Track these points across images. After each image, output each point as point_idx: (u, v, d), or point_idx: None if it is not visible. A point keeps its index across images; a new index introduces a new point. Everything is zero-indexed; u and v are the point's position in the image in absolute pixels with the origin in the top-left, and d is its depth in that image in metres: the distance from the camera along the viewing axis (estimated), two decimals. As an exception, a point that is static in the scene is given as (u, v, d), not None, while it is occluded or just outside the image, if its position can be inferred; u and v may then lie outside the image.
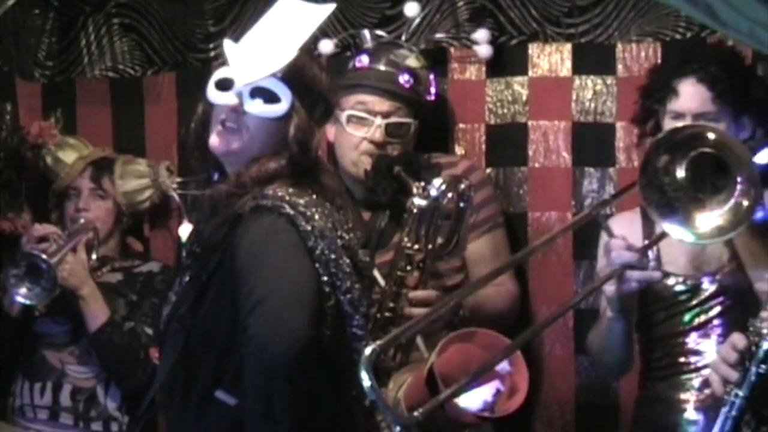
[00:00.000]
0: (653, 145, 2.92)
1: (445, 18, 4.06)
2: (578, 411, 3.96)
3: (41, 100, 4.48)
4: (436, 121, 3.99)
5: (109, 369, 4.00)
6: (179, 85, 4.35)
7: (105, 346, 3.93)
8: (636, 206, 3.40)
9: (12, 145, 4.29)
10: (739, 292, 3.23)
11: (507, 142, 4.04)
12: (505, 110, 4.04)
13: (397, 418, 2.75)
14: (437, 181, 3.42)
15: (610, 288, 3.11)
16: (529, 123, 4.01)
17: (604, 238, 3.24)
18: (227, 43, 3.02)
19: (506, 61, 4.03)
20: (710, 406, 3.17)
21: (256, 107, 2.92)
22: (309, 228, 2.84)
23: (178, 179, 4.22)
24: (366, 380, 2.50)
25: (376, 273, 3.54)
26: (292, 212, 2.84)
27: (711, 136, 2.84)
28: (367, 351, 2.54)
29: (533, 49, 4.01)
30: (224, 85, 2.95)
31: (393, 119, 3.71)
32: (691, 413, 3.28)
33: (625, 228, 3.23)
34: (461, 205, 3.43)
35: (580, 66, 3.97)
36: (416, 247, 3.45)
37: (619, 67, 3.92)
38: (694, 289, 3.30)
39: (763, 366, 2.64)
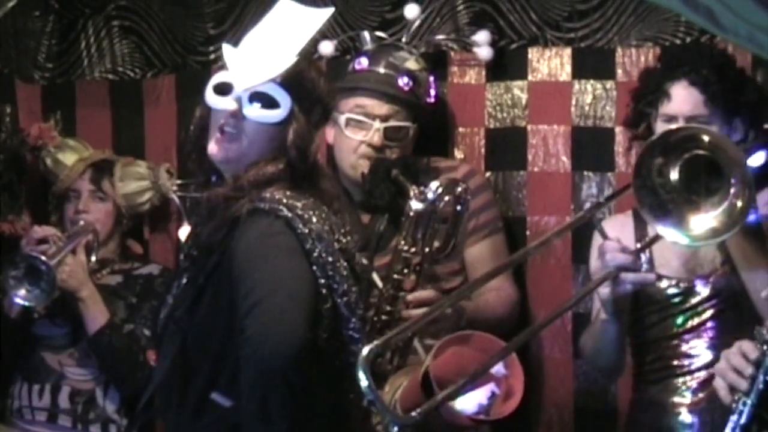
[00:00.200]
0: (647, 147, 2.92)
1: (445, 22, 4.07)
2: (577, 414, 3.95)
3: (41, 102, 4.49)
4: (436, 124, 4.00)
5: (108, 371, 3.99)
6: (179, 88, 4.35)
7: (104, 348, 3.93)
8: (628, 209, 3.40)
9: (12, 147, 4.29)
10: (732, 295, 3.23)
11: (506, 146, 4.04)
12: (505, 114, 4.04)
13: (395, 417, 2.76)
14: (434, 185, 3.42)
15: (604, 290, 3.11)
16: (529, 127, 4.01)
17: (596, 240, 3.24)
18: (226, 48, 3.02)
19: (506, 65, 4.04)
20: (704, 409, 3.18)
21: (256, 112, 2.92)
22: (306, 231, 2.84)
23: (178, 182, 4.22)
24: (363, 380, 2.50)
25: (375, 276, 3.54)
26: (289, 215, 2.84)
27: (705, 138, 2.84)
28: (365, 351, 2.55)
29: (533, 53, 4.01)
30: (223, 89, 2.95)
31: (392, 123, 3.71)
32: (685, 416, 3.27)
33: (617, 230, 3.24)
34: (458, 208, 3.44)
35: (580, 70, 3.97)
36: (413, 250, 3.45)
37: (619, 71, 3.91)
38: (687, 292, 3.30)
39: (771, 374, 2.63)
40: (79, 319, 3.95)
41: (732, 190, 2.79)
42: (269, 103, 2.92)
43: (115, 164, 4.19)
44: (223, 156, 2.94)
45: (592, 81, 3.96)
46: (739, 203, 2.78)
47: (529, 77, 4.01)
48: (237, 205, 2.88)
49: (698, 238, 2.85)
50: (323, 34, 3.96)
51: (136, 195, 4.19)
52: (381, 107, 3.72)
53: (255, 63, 2.94)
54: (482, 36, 3.98)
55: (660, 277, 3.29)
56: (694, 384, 3.27)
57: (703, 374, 3.25)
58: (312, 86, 2.98)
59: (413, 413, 2.63)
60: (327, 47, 4.06)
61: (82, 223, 4.08)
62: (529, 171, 4.00)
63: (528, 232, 3.98)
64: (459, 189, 3.43)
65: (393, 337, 2.96)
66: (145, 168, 4.23)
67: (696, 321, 3.29)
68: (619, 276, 3.06)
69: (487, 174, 4.03)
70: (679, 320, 3.31)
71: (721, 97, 3.25)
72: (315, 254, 2.84)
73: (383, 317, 3.45)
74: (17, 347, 4.04)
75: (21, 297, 3.84)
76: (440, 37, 4.05)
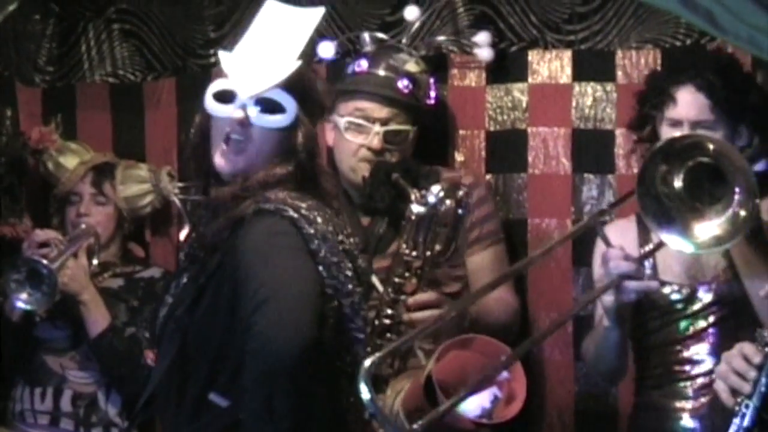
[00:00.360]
0: (651, 154, 2.92)
1: (445, 24, 4.06)
2: (577, 417, 3.95)
3: (41, 105, 4.48)
4: (436, 127, 3.99)
5: (109, 374, 4.00)
6: (179, 91, 4.35)
7: (106, 351, 3.93)
8: (631, 214, 3.39)
9: (13, 151, 4.29)
10: (734, 301, 3.22)
11: (507, 149, 4.03)
12: (505, 117, 4.04)
13: (397, 429, 2.75)
14: (435, 188, 3.42)
15: (608, 298, 3.10)
16: (529, 130, 4.01)
17: (599, 246, 3.24)
18: (223, 55, 3.01)
19: (506, 68, 4.03)
20: (705, 414, 3.18)
21: (263, 119, 2.91)
22: (312, 231, 2.85)
23: (180, 184, 4.21)
24: (365, 393, 2.50)
25: (374, 279, 3.54)
26: (295, 215, 2.85)
27: (709, 146, 2.84)
28: (366, 363, 2.55)
29: (533, 55, 4.01)
30: (225, 97, 2.94)
31: (391, 126, 3.71)
32: (687, 421, 3.28)
33: (620, 236, 3.23)
34: (459, 212, 3.44)
35: (580, 73, 3.96)
36: (414, 253, 3.45)
37: (619, 73, 3.91)
38: (690, 298, 3.30)
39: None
40: (80, 322, 3.95)
41: (736, 198, 2.79)
42: (275, 108, 2.92)
43: (117, 167, 4.19)
44: (231, 169, 2.94)
45: (592, 83, 3.95)
46: (743, 211, 2.78)
47: (530, 79, 4.01)
48: (242, 205, 2.88)
49: (702, 245, 2.86)
50: (323, 37, 3.96)
51: (138, 198, 4.19)
52: (381, 110, 3.71)
53: (257, 69, 2.93)
54: (482, 38, 3.97)
55: (663, 283, 3.29)
56: (696, 389, 3.28)
57: (705, 379, 3.25)
58: (313, 87, 2.99)
59: (415, 426, 2.62)
60: (328, 50, 4.05)
61: (83, 226, 4.09)
62: (529, 173, 4.00)
63: (529, 235, 3.98)
64: (460, 193, 3.43)
65: (394, 349, 2.95)
66: (147, 171, 4.23)
67: (698, 326, 3.29)
68: (622, 284, 3.05)
69: (488, 177, 4.03)
70: (682, 326, 3.31)
71: (727, 102, 3.25)
72: (321, 254, 2.85)
73: (384, 321, 3.45)
74: (18, 350, 4.04)
75: (22, 300, 3.85)
76: (440, 39, 4.05)
